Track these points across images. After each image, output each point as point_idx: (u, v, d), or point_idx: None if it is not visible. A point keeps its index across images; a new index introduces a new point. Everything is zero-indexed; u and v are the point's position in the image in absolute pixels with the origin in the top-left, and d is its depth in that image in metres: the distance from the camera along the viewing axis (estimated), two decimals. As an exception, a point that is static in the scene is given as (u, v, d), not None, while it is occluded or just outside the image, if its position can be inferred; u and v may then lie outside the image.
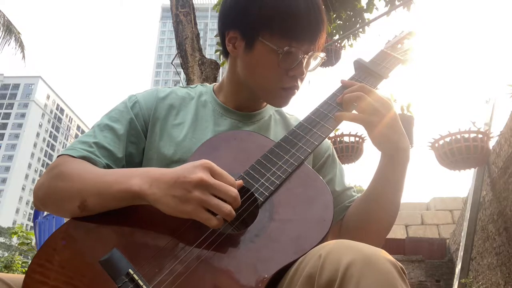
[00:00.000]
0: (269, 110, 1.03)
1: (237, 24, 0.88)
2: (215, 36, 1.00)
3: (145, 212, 0.72)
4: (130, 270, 0.62)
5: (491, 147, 4.39)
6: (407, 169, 0.86)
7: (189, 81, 3.41)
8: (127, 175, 0.72)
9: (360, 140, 4.14)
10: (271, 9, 0.83)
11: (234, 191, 0.68)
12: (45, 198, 0.80)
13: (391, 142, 0.84)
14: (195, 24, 3.69)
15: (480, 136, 3.81)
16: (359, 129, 4.26)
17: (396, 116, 0.84)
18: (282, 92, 0.90)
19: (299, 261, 0.64)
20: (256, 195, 0.74)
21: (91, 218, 0.73)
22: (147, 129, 0.92)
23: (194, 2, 3.82)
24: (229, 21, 0.90)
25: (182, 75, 3.61)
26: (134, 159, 0.90)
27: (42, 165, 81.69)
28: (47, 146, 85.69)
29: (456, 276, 6.88)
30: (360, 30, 4.49)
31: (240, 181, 0.72)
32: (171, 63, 4.08)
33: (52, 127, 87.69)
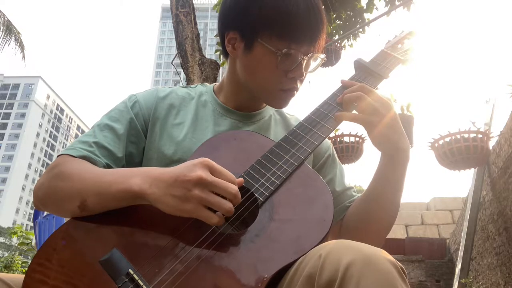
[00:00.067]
0: (269, 110, 1.03)
1: (237, 25, 0.88)
2: (215, 36, 1.00)
3: (145, 212, 0.72)
4: (130, 270, 0.62)
5: (491, 147, 4.39)
6: (407, 169, 0.86)
7: (189, 81, 3.41)
8: (127, 175, 0.72)
9: (360, 140, 4.14)
10: (270, 11, 0.82)
11: (234, 188, 0.68)
12: (45, 198, 0.80)
13: (391, 142, 0.84)
14: (195, 24, 3.69)
15: (480, 136, 3.81)
16: (359, 129, 4.26)
17: (396, 116, 0.84)
18: (282, 94, 0.90)
19: (299, 261, 0.64)
20: (256, 195, 0.74)
21: (91, 218, 0.73)
22: (147, 128, 0.92)
23: (194, 2, 3.82)
24: (228, 22, 0.90)
25: (182, 75, 3.62)
26: (134, 159, 0.90)
27: (42, 165, 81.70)
28: (47, 146, 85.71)
29: (456, 276, 6.88)
30: (360, 30, 4.49)
31: (241, 179, 0.72)
32: (171, 63, 4.08)
33: (52, 127, 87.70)
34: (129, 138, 0.90)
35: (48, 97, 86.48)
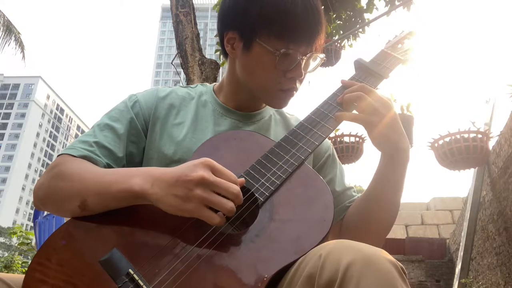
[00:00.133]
0: (269, 110, 1.03)
1: (236, 25, 0.88)
2: (215, 36, 1.00)
3: (145, 212, 0.72)
4: (130, 270, 0.62)
5: (491, 147, 4.39)
6: (407, 169, 0.86)
7: (189, 81, 3.41)
8: (128, 175, 0.72)
9: (360, 140, 4.14)
10: (269, 11, 0.82)
11: (236, 188, 0.68)
12: (45, 197, 0.79)
13: (391, 142, 0.84)
14: (195, 24, 3.69)
15: (479, 136, 3.81)
16: (359, 129, 4.26)
17: (396, 116, 0.84)
18: (281, 94, 0.90)
19: (299, 261, 0.64)
20: (256, 195, 0.74)
21: (91, 217, 0.73)
22: (147, 128, 0.92)
23: (194, 2, 3.82)
24: (227, 22, 0.90)
25: (182, 75, 3.62)
26: (134, 159, 0.90)
27: (42, 165, 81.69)
28: (47, 146, 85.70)
29: (456, 276, 6.89)
30: (360, 30, 4.49)
31: (242, 179, 0.72)
32: (171, 63, 4.08)
33: (52, 127, 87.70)
34: (130, 138, 0.90)
35: (48, 97, 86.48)
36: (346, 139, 4.14)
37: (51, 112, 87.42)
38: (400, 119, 0.85)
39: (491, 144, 4.66)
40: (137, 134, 0.91)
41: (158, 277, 0.63)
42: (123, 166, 0.88)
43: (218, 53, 3.60)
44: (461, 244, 7.00)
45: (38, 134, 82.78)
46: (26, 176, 78.73)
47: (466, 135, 3.81)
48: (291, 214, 0.74)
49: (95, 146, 0.84)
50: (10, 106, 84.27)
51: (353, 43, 4.71)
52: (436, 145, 3.95)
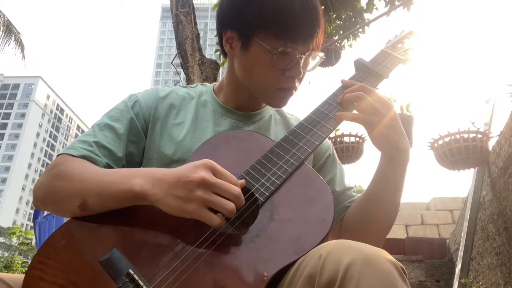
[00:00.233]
0: (269, 110, 1.03)
1: (234, 24, 0.88)
2: (215, 36, 1.00)
3: (145, 212, 0.72)
4: (131, 270, 0.62)
5: (490, 147, 4.39)
6: (407, 169, 0.86)
7: (189, 81, 3.41)
8: (128, 175, 0.72)
9: (360, 140, 4.14)
10: (267, 9, 0.82)
11: (237, 190, 0.68)
12: (45, 197, 0.79)
13: (391, 142, 0.84)
14: (195, 24, 3.69)
15: (479, 136, 3.81)
16: (359, 129, 4.27)
17: (396, 116, 0.84)
18: (280, 93, 0.89)
19: (300, 261, 0.64)
20: (256, 195, 0.74)
21: (91, 217, 0.73)
22: (147, 128, 0.92)
23: (194, 2, 3.82)
24: (226, 21, 0.90)
25: (182, 75, 3.62)
26: (134, 159, 0.90)
27: (42, 165, 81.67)
28: (47, 146, 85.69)
29: (456, 276, 6.89)
30: (360, 30, 4.49)
31: (242, 181, 0.72)
32: (171, 63, 4.08)
33: (52, 127, 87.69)
34: (130, 137, 0.89)
35: (48, 97, 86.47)
36: (346, 139, 4.14)
37: (51, 112, 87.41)
38: (400, 119, 0.85)
39: (491, 144, 4.66)
40: (137, 134, 0.91)
41: (158, 277, 0.63)
42: (123, 166, 0.88)
43: (218, 53, 3.60)
44: (461, 244, 7.00)
45: (38, 134, 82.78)
46: (26, 176, 78.72)
47: (465, 135, 3.81)
48: (291, 214, 0.74)
49: (95, 146, 0.84)
50: (10, 106, 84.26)
51: (353, 43, 4.72)
52: (436, 145, 3.95)
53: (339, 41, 4.49)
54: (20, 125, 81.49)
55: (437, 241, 10.63)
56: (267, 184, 0.75)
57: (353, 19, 4.50)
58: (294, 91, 0.90)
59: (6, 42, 10.01)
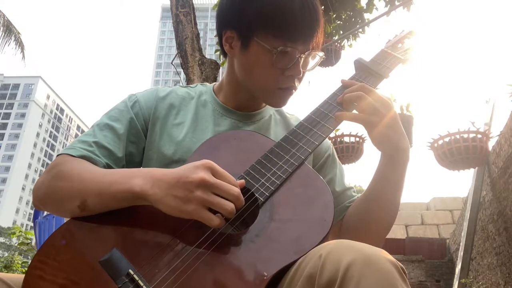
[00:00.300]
0: (269, 109, 1.03)
1: (233, 24, 0.88)
2: (215, 36, 1.00)
3: (145, 212, 0.72)
4: (130, 271, 0.62)
5: (490, 147, 4.39)
6: (407, 169, 0.86)
7: (189, 81, 3.41)
8: (128, 175, 0.72)
9: (360, 140, 4.14)
10: (266, 8, 0.82)
11: (237, 190, 0.68)
12: (44, 197, 0.79)
13: (391, 142, 0.84)
14: (195, 24, 3.69)
15: (479, 136, 3.82)
16: (359, 129, 4.27)
17: (396, 116, 0.84)
18: (280, 93, 0.89)
19: (300, 261, 0.64)
20: (256, 195, 0.74)
21: (91, 218, 0.73)
22: (147, 128, 0.92)
23: (194, 2, 3.82)
24: (225, 21, 0.90)
25: (182, 75, 3.62)
26: (134, 159, 0.90)
27: (42, 165, 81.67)
28: (47, 146, 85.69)
29: (456, 276, 6.88)
30: (360, 30, 4.49)
31: (242, 181, 0.72)
32: (171, 63, 4.08)
33: (52, 127, 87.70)
34: (129, 138, 0.89)
35: (48, 97, 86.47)
36: (346, 139, 4.14)
37: (51, 112, 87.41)
38: (400, 119, 0.85)
39: (491, 144, 4.66)
40: (137, 134, 0.91)
41: (158, 277, 0.63)
42: (123, 166, 0.87)
43: (218, 53, 3.60)
44: (461, 244, 7.00)
45: (38, 134, 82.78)
46: (26, 176, 78.72)
47: (465, 135, 3.82)
48: (291, 214, 0.74)
49: (95, 146, 0.84)
50: (10, 106, 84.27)
51: (353, 43, 4.72)
52: (435, 145, 3.95)
53: (339, 41, 4.49)
54: (20, 125, 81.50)
55: (437, 241, 10.62)
56: (267, 184, 0.75)
57: (353, 19, 4.50)
58: (294, 90, 0.90)
59: (6, 42, 10.01)
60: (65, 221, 0.74)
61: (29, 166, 79.87)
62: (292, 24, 0.82)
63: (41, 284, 0.63)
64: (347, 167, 4.27)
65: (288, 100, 0.92)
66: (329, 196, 0.75)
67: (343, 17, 4.50)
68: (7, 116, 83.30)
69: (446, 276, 9.17)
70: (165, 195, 0.67)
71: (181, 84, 1.11)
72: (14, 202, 75.61)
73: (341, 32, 4.48)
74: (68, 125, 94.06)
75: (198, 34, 3.67)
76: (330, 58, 4.38)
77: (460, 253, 6.86)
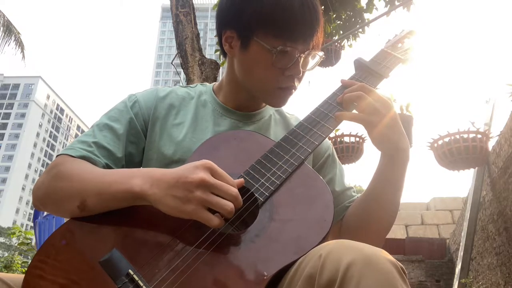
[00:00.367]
0: (269, 109, 1.03)
1: (233, 24, 0.88)
2: (215, 36, 1.01)
3: (145, 212, 0.72)
4: (130, 271, 0.62)
5: (490, 147, 4.39)
6: (407, 169, 0.86)
7: (189, 81, 3.41)
8: (127, 175, 0.72)
9: (360, 140, 4.14)
10: (266, 8, 0.82)
11: (235, 191, 0.68)
12: (44, 198, 0.79)
13: (391, 142, 0.84)
14: (195, 24, 3.69)
15: (479, 136, 3.82)
16: (360, 129, 4.27)
17: (396, 116, 0.84)
18: (280, 92, 0.89)
19: (299, 261, 0.63)
20: (256, 195, 0.74)
21: (91, 218, 0.73)
22: (147, 128, 0.92)
23: (194, 2, 3.82)
24: (225, 21, 0.90)
25: (182, 75, 3.62)
26: (133, 159, 0.90)
27: (42, 165, 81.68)
28: (47, 146, 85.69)
29: (456, 276, 6.89)
30: (360, 30, 4.49)
31: (241, 180, 0.72)
32: (171, 63, 4.08)
33: (52, 127, 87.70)
34: (129, 138, 0.89)
35: (48, 97, 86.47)
36: (346, 139, 4.14)
37: (51, 112, 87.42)
38: (400, 119, 0.85)
39: (491, 144, 4.66)
40: (137, 135, 0.91)
41: (158, 277, 0.63)
42: (122, 167, 0.87)
43: (218, 53, 3.60)
44: (461, 244, 7.00)
45: (38, 134, 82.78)
46: (26, 176, 78.73)
47: (465, 135, 3.82)
48: (291, 214, 0.73)
49: (94, 147, 0.84)
50: (10, 106, 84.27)
51: (353, 43, 4.71)
52: (435, 145, 3.95)
53: (339, 41, 4.49)
54: (20, 125, 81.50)
55: (437, 241, 10.62)
56: (267, 184, 0.75)
57: (353, 19, 4.50)
58: (293, 90, 0.90)
59: (6, 42, 10.00)
60: (65, 221, 0.74)
61: (29, 166, 79.87)
62: (292, 23, 0.82)
63: (41, 283, 0.63)
64: (347, 167, 4.27)
65: (288, 99, 0.92)
66: (329, 196, 0.75)
67: (343, 17, 4.50)
68: (7, 116, 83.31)
69: (446, 276, 9.18)
70: (164, 195, 0.67)
71: (181, 84, 1.11)
72: (14, 202, 75.61)
73: (341, 32, 4.48)
74: (68, 125, 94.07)
75: (198, 34, 3.67)
76: (330, 58, 4.38)
77: (460, 253, 6.87)
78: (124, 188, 0.70)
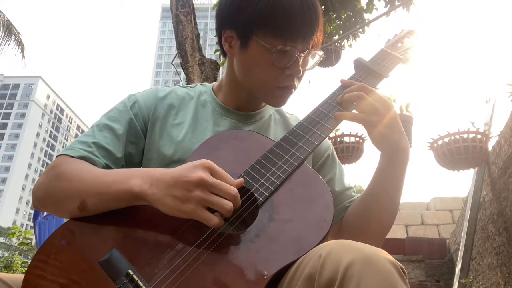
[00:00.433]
0: (269, 109, 1.03)
1: (233, 23, 0.88)
2: (215, 36, 1.01)
3: (145, 213, 0.72)
4: (130, 271, 0.62)
5: (490, 147, 4.39)
6: (406, 169, 0.86)
7: (189, 81, 3.41)
8: (127, 176, 0.72)
9: (360, 140, 4.14)
10: (265, 7, 0.82)
11: (234, 190, 0.68)
12: (44, 198, 0.79)
13: (391, 142, 0.84)
14: (195, 24, 3.69)
15: (479, 136, 3.82)
16: (359, 129, 4.27)
17: (396, 116, 0.84)
18: (279, 92, 0.89)
19: (299, 261, 0.63)
20: (256, 195, 0.74)
21: (91, 218, 0.73)
22: (147, 129, 0.92)
23: (194, 2, 3.82)
24: (225, 20, 0.90)
25: (182, 75, 3.62)
26: (133, 159, 0.90)
27: (42, 165, 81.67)
28: (47, 146, 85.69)
29: (456, 276, 6.89)
30: (360, 30, 4.49)
31: (241, 179, 0.72)
32: (171, 63, 4.08)
33: (52, 127, 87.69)
34: (129, 138, 0.89)
35: (48, 97, 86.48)
36: (346, 139, 4.14)
37: (51, 112, 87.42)
38: (400, 119, 0.85)
39: (491, 144, 4.66)
40: (136, 135, 0.91)
41: (157, 277, 0.63)
42: (122, 167, 0.87)
43: (218, 53, 3.60)
44: (461, 244, 7.01)
45: (38, 134, 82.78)
46: (26, 176, 78.72)
47: (465, 136, 3.82)
48: (291, 214, 0.73)
49: (94, 147, 0.84)
50: (10, 106, 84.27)
51: (353, 43, 4.71)
52: (435, 145, 3.95)
53: (339, 41, 4.48)
54: (20, 125, 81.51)
55: (437, 241, 10.62)
56: (267, 184, 0.75)
57: (353, 19, 4.50)
58: (293, 89, 0.90)
59: (6, 42, 10.00)
60: (65, 221, 0.74)
61: (29, 166, 79.87)
62: (291, 22, 0.82)
63: (41, 283, 0.63)
64: (347, 167, 4.27)
65: (287, 99, 0.92)
66: (329, 196, 0.75)
67: (343, 17, 4.50)
68: (7, 116, 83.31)
69: (446, 276, 9.17)
70: (163, 195, 0.67)
71: (181, 84, 1.11)
72: (14, 202, 75.62)
73: (341, 32, 4.48)
74: (68, 125, 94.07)
75: (198, 34, 3.67)
76: (330, 58, 4.38)
77: (460, 253, 6.87)
78: (124, 188, 0.70)
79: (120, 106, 0.93)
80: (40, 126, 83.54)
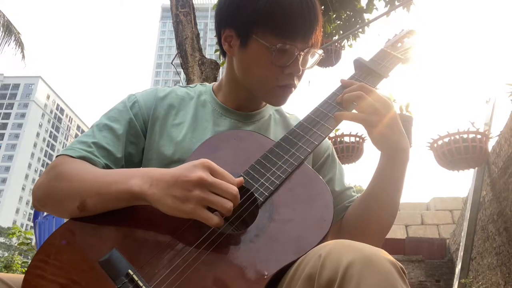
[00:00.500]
0: (268, 109, 1.03)
1: (232, 22, 0.88)
2: (215, 36, 1.01)
3: (145, 213, 0.72)
4: (130, 271, 0.62)
5: (490, 147, 4.39)
6: (406, 169, 0.86)
7: (189, 81, 3.41)
8: (126, 176, 0.72)
9: (360, 140, 4.14)
10: (264, 6, 0.82)
11: (234, 189, 0.68)
12: (44, 198, 0.79)
13: (391, 142, 0.84)
14: (195, 24, 3.69)
15: (478, 136, 3.82)
16: (360, 129, 4.27)
17: (396, 116, 0.84)
18: (279, 91, 0.89)
19: (299, 261, 0.63)
20: (256, 195, 0.74)
21: (91, 218, 0.73)
22: (147, 129, 0.92)
23: (194, 2, 3.82)
24: (224, 20, 0.90)
25: (182, 75, 3.62)
26: (133, 159, 0.90)
27: (42, 165, 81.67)
28: (47, 146, 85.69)
29: (456, 276, 6.89)
30: (360, 30, 4.49)
31: (241, 178, 0.72)
32: (171, 63, 4.08)
33: (52, 127, 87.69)
34: (128, 138, 0.89)
35: (48, 97, 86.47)
36: (346, 139, 4.14)
37: (51, 112, 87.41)
38: (400, 119, 0.85)
39: (491, 144, 4.67)
40: (136, 135, 0.91)
41: (157, 277, 0.63)
42: (122, 167, 0.87)
43: (218, 53, 3.60)
44: (461, 244, 7.01)
45: (38, 134, 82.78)
46: (26, 176, 78.72)
47: (465, 136, 3.82)
48: (291, 214, 0.73)
49: (94, 147, 0.84)
50: (10, 106, 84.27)
51: (353, 43, 4.71)
52: (435, 145, 3.96)
53: (339, 41, 4.48)
54: (20, 125, 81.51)
55: (437, 241, 10.62)
56: (267, 184, 0.75)
57: (353, 19, 4.49)
58: (293, 88, 0.90)
59: (6, 42, 10.00)
60: (65, 221, 0.74)
61: (29, 166, 79.87)
62: (291, 21, 0.82)
63: (41, 283, 0.63)
64: (347, 167, 4.27)
65: (287, 98, 0.92)
66: (329, 196, 0.75)
67: (343, 17, 4.50)
68: (7, 116, 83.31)
69: (446, 276, 9.17)
70: (163, 195, 0.67)
71: (181, 84, 1.11)
72: (14, 202, 75.62)
73: (341, 32, 4.47)
74: (68, 125, 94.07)
75: (198, 34, 3.67)
76: (330, 58, 4.38)
77: (460, 253, 6.87)
78: (124, 188, 0.70)
79: (120, 106, 0.93)
80: (40, 126, 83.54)
